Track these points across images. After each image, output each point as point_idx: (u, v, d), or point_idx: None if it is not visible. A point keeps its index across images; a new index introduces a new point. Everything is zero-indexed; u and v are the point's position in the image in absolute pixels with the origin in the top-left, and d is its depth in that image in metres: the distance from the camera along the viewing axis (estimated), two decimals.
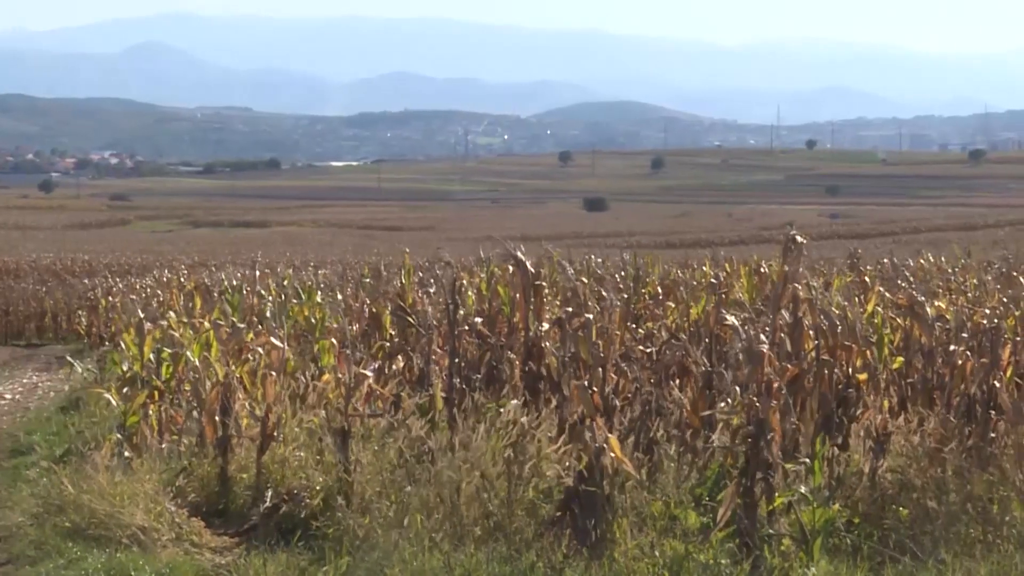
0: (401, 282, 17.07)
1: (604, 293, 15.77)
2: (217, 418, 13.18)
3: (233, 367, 13.79)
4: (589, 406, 10.99)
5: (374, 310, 17.12)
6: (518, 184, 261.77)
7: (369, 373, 12.97)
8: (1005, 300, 15.57)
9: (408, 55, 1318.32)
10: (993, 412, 11.67)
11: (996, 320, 12.74)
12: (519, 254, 13.72)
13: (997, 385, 11.81)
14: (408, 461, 11.71)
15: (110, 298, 35.68)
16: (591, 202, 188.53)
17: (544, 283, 14.25)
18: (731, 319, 12.25)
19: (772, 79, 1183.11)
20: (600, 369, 12.03)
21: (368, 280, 22.05)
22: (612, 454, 10.40)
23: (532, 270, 13.78)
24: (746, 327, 11.04)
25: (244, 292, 20.97)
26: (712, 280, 16.99)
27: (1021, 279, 18.69)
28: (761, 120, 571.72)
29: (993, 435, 11.54)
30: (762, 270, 18.32)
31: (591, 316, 12.64)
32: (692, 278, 20.44)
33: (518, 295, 13.97)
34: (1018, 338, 13.10)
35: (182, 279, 32.21)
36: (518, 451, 11.01)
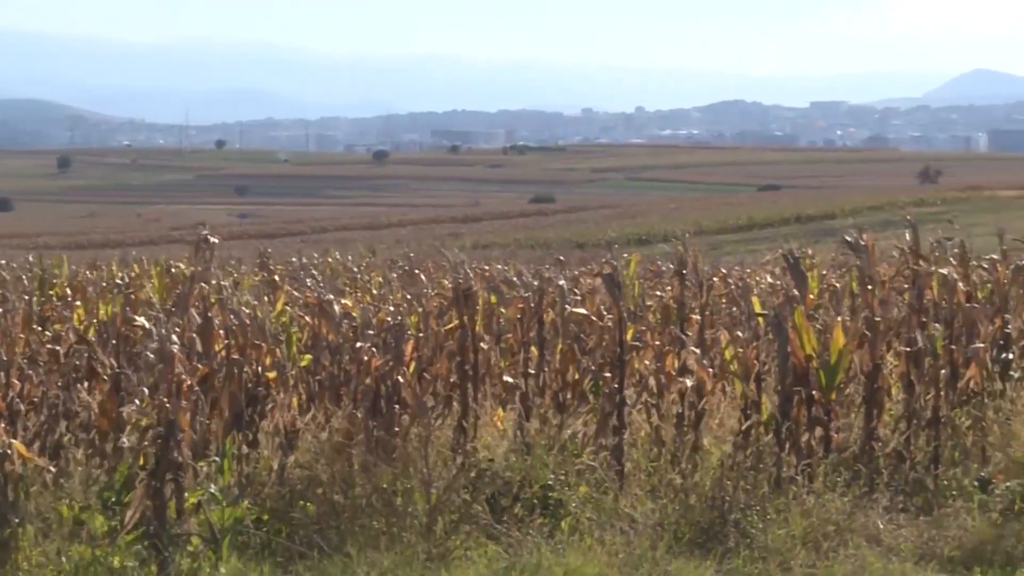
0: None
1: (7, 295, 15.33)
2: None
3: None
4: None
5: None
6: None
7: None
8: (408, 297, 16.04)
9: None
10: (397, 406, 12.04)
11: (400, 317, 13.13)
12: None
13: (401, 380, 12.19)
14: None
15: None
16: None
17: None
18: (140, 320, 12.13)
19: (183, 79, 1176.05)
20: (2, 373, 11.68)
21: None
22: (16, 459, 10.13)
23: None
24: (156, 327, 10.96)
25: None
26: (119, 281, 16.78)
27: (423, 277, 19.35)
28: (171, 120, 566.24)
29: (398, 429, 11.91)
30: (173, 270, 18.23)
31: None
32: (101, 279, 20.11)
33: None
34: (420, 334, 13.56)
35: None
36: None
